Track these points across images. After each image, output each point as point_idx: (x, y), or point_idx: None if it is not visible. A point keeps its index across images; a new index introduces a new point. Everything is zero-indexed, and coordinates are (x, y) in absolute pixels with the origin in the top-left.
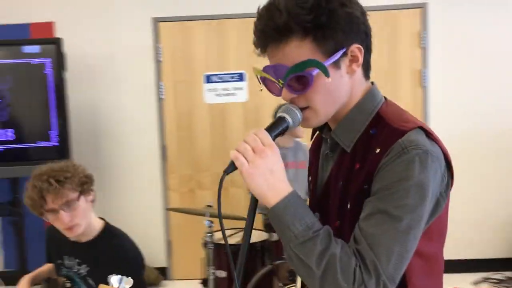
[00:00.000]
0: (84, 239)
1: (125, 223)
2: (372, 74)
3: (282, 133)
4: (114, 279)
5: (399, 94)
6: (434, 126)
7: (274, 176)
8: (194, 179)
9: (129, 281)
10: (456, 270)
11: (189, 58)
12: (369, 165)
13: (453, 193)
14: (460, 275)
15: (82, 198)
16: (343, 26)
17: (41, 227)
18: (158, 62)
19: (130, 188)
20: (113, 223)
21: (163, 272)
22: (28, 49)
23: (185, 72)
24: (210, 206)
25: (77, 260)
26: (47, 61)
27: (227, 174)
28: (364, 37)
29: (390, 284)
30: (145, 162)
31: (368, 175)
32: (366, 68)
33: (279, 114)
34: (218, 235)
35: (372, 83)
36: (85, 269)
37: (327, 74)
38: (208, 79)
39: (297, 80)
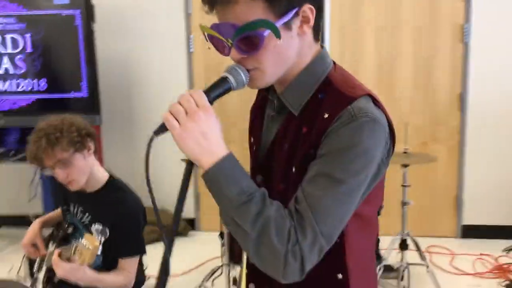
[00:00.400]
0: (88, 189)
1: (154, 175)
2: (409, 28)
3: (223, 94)
4: (96, 228)
5: (438, 49)
6: (473, 85)
7: (207, 139)
8: (223, 133)
9: (105, 233)
10: (488, 236)
11: None
12: (316, 130)
13: (493, 156)
14: (492, 241)
15: (78, 155)
16: None
17: None
18: (188, 14)
19: (159, 140)
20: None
21: (191, 223)
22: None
23: None
24: None
25: (81, 209)
26: (77, 12)
27: (157, 136)
28: None
29: (326, 243)
30: None
31: (315, 139)
32: (317, 30)
33: (221, 75)
34: None
35: (322, 46)
36: (87, 218)
37: (278, 35)
38: None
39: (246, 41)
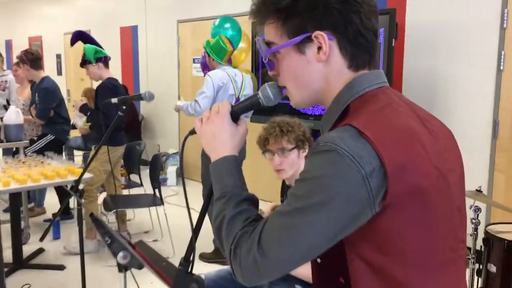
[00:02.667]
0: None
1: None
2: None
3: (251, 107)
4: None
5: None
6: None
7: (215, 140)
8: None
9: None
10: None
11: None
12: None
13: None
14: None
15: (296, 151)
16: (302, 12)
17: None
18: (502, 29)
19: None
20: None
21: None
22: None
23: None
24: (480, 190)
25: None
26: (381, 30)
27: (191, 134)
28: (341, 27)
29: (260, 257)
30: (473, 136)
31: None
32: (351, 59)
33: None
34: (495, 228)
35: (372, 72)
36: None
37: (266, 54)
38: None
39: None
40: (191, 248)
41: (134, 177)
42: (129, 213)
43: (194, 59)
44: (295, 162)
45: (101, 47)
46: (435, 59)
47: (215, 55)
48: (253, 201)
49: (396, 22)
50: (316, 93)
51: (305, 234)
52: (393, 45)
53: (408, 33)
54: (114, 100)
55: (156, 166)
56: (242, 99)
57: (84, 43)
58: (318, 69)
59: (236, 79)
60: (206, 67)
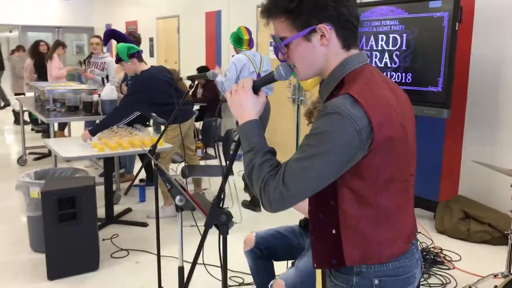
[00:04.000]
0: None
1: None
2: None
3: (268, 82)
4: None
5: None
6: None
7: (242, 108)
8: None
9: None
10: None
11: None
12: None
13: None
14: None
15: None
16: (308, 11)
17: None
18: None
19: None
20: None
21: None
22: (433, 4)
23: None
24: None
25: None
26: (445, 14)
27: (223, 102)
28: (335, 18)
29: (286, 190)
30: None
31: None
32: (344, 41)
33: None
34: None
35: (359, 52)
36: None
37: (282, 47)
38: None
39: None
40: (221, 188)
41: (210, 151)
42: (206, 184)
43: (270, 42)
44: None
45: (132, 42)
46: (503, 43)
47: (236, 44)
48: (274, 153)
49: (460, 6)
50: (319, 69)
51: (317, 172)
52: (456, 28)
53: (477, 18)
54: (185, 78)
55: (228, 140)
56: (262, 73)
57: (117, 41)
58: (321, 52)
59: (255, 59)
60: (277, 51)
